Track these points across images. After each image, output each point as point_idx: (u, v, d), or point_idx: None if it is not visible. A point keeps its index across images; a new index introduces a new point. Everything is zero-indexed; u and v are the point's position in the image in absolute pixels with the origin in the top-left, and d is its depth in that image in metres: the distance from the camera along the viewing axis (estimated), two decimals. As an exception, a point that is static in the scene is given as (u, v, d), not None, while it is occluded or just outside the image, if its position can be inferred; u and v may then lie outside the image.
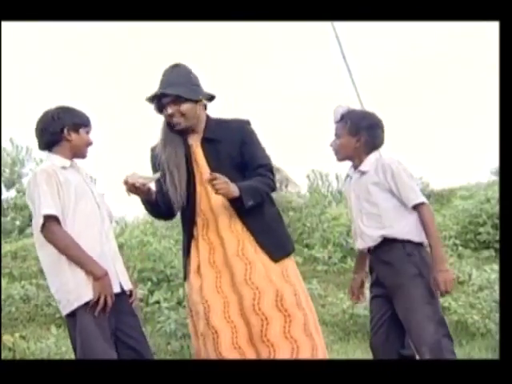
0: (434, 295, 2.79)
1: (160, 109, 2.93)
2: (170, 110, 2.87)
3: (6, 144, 15.99)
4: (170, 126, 2.94)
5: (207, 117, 3.00)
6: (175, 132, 2.94)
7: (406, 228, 2.83)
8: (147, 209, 3.01)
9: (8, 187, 14.44)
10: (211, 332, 2.75)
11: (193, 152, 2.95)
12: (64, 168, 2.80)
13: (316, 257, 7.34)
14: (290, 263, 2.92)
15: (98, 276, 2.67)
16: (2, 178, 14.31)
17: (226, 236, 2.86)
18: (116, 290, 2.74)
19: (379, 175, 2.87)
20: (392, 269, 2.84)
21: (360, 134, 2.93)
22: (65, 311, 2.73)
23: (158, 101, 2.91)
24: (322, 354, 2.81)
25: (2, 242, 8.54)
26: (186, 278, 2.99)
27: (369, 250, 2.95)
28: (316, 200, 8.89)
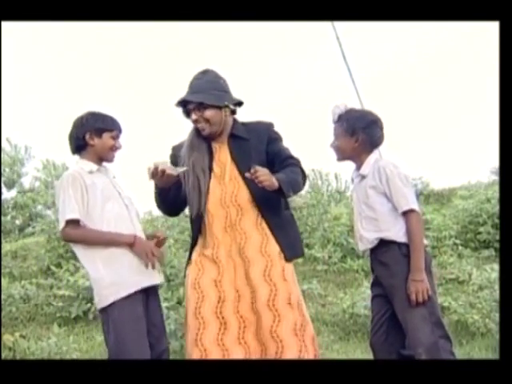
0: (430, 296, 2.79)
1: (187, 114, 3.01)
2: (194, 116, 2.95)
3: (4, 144, 16.02)
4: (197, 130, 3.01)
5: (234, 120, 3.07)
6: (202, 137, 3.01)
7: (402, 231, 2.83)
8: (159, 200, 3.04)
9: (8, 187, 14.44)
10: (198, 322, 2.78)
11: (216, 152, 3.01)
12: (91, 172, 2.89)
13: (316, 256, 7.33)
14: (289, 264, 2.93)
15: (131, 242, 2.81)
16: (3, 178, 14.32)
17: (232, 233, 2.90)
18: (148, 284, 2.84)
19: (376, 179, 2.88)
20: (388, 269, 2.85)
21: (357, 134, 2.92)
22: (99, 305, 2.81)
23: (184, 107, 2.99)
24: (311, 356, 2.80)
25: (2, 241, 8.55)
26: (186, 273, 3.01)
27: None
28: (317, 200, 8.89)
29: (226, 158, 3.00)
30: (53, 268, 6.79)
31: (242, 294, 2.83)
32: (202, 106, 2.93)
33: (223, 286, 2.84)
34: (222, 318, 2.79)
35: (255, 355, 2.76)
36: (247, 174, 2.77)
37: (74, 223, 2.79)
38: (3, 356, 4.60)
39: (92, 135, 2.91)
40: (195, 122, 2.96)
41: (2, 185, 14.23)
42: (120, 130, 2.99)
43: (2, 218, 10.50)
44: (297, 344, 2.76)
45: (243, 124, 3.08)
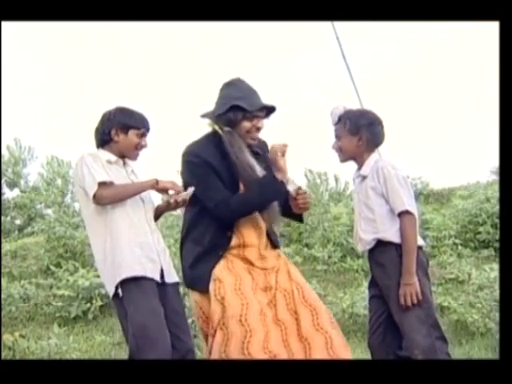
0: (427, 298, 2.78)
1: (236, 122, 2.85)
2: (261, 124, 2.88)
3: (11, 143, 16.04)
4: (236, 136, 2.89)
5: None
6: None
7: (399, 232, 2.83)
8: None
9: (10, 187, 14.46)
10: (245, 329, 2.70)
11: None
12: (109, 162, 2.86)
13: (316, 256, 7.35)
14: None
15: (151, 183, 2.84)
16: (5, 178, 14.34)
17: (260, 245, 2.91)
18: (156, 277, 2.80)
19: (375, 180, 2.88)
20: (385, 270, 2.85)
21: (361, 132, 2.92)
22: (110, 291, 2.77)
23: (250, 114, 2.83)
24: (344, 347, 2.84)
25: (2, 241, 8.55)
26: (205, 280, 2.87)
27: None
28: (317, 199, 8.90)
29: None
30: (52, 268, 6.81)
31: (277, 299, 2.83)
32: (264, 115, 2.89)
33: (259, 295, 2.83)
34: (267, 325, 2.75)
35: (298, 355, 2.72)
36: (294, 191, 2.80)
37: (104, 185, 2.75)
38: (3, 356, 4.60)
39: (117, 131, 2.87)
40: (258, 130, 2.88)
41: (4, 185, 14.25)
42: (148, 129, 2.94)
43: (2, 218, 10.50)
44: (337, 335, 2.79)
45: None
